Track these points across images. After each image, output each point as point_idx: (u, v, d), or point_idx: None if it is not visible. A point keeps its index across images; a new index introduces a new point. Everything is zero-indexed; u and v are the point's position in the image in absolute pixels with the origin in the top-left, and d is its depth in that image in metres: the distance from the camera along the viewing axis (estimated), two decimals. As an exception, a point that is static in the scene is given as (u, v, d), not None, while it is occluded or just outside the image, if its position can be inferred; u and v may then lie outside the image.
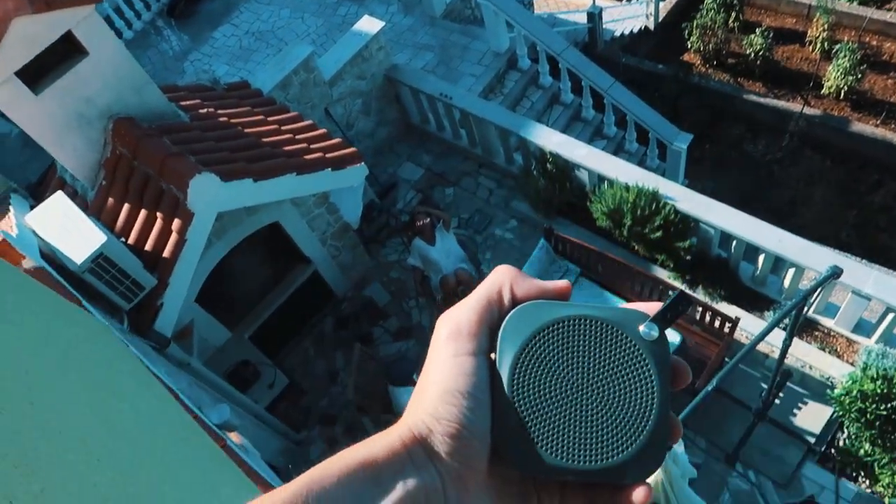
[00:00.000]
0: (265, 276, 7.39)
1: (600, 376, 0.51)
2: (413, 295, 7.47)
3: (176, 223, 4.97)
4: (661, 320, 0.52)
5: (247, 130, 5.93)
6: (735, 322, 5.69)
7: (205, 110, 6.04)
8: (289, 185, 5.55)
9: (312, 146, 5.97)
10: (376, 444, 0.51)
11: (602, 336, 0.51)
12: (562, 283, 0.56)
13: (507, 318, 0.53)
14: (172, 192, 4.98)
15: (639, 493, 0.51)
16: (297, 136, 6.07)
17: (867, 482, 5.44)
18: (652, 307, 0.54)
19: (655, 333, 0.51)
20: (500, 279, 0.55)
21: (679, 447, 3.73)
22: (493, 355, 0.53)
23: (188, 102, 6.01)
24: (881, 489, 5.20)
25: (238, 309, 7.19)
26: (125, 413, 1.50)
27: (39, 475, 1.00)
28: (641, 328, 0.51)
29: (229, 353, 6.83)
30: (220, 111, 6.10)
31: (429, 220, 6.56)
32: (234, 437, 4.37)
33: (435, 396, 0.51)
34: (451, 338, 0.53)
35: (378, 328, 7.44)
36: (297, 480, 0.48)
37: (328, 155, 5.91)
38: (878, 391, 4.93)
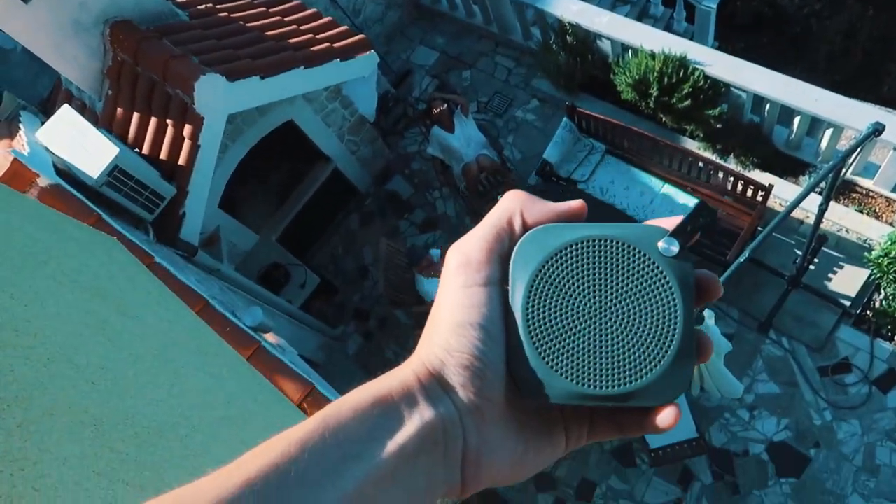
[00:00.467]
0: (286, 178, 7.33)
1: (618, 297, 0.48)
2: (436, 185, 7.36)
3: (187, 129, 4.86)
4: (681, 234, 0.49)
5: (249, 25, 5.66)
6: (768, 190, 5.50)
7: (203, 6, 5.75)
8: (297, 79, 5.35)
9: (318, 36, 5.70)
10: (390, 379, 0.49)
11: (618, 255, 0.48)
12: (576, 203, 0.52)
13: (517, 244, 0.50)
14: (180, 97, 4.84)
15: (666, 416, 0.49)
16: (302, 27, 5.78)
17: (903, 341, 5.41)
18: (672, 222, 0.50)
19: (676, 248, 0.48)
20: (510, 206, 0.52)
21: (710, 320, 3.69)
22: (506, 286, 0.50)
23: None
24: (918, 347, 5.19)
25: (263, 212, 7.20)
26: (130, 329, 1.48)
27: (18, 407, 0.97)
28: (660, 244, 0.48)
29: (259, 257, 6.91)
30: (219, 6, 5.81)
31: (446, 106, 6.33)
32: (269, 338, 4.46)
33: (446, 329, 0.49)
34: (460, 269, 0.50)
35: (404, 221, 7.41)
36: (313, 418, 0.46)
37: (336, 45, 5.65)
38: (919, 250, 4.79)
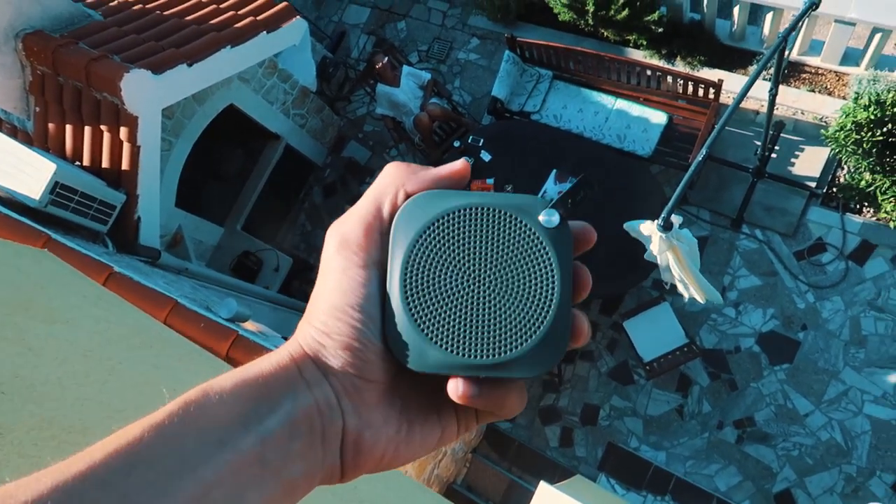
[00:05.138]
0: (239, 164, 7.18)
1: (497, 267, 0.47)
2: (392, 144, 7.26)
3: (123, 131, 4.71)
4: (562, 206, 0.48)
5: (167, 13, 5.45)
6: (718, 85, 5.46)
7: (115, 2, 5.53)
8: (226, 60, 5.18)
9: (241, 12, 5.52)
10: (264, 361, 0.47)
11: (498, 225, 0.47)
12: (458, 164, 0.50)
13: (397, 214, 0.48)
14: (108, 100, 4.67)
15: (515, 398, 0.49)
16: (222, 6, 5.59)
17: (871, 211, 5.47)
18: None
19: (556, 220, 0.47)
20: (389, 179, 0.50)
21: (676, 220, 3.67)
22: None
23: (94, -1, 5.49)
24: (885, 214, 5.24)
25: (222, 203, 7.07)
26: (57, 335, 1.43)
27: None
28: (541, 217, 0.47)
29: (228, 249, 6.82)
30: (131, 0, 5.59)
31: (386, 59, 6.19)
32: (249, 326, 4.42)
33: (325, 312, 0.47)
34: (339, 251, 0.48)
35: (366, 186, 7.30)
36: (174, 402, 0.43)
37: (259, 17, 5.47)
38: (872, 117, 4.79)
